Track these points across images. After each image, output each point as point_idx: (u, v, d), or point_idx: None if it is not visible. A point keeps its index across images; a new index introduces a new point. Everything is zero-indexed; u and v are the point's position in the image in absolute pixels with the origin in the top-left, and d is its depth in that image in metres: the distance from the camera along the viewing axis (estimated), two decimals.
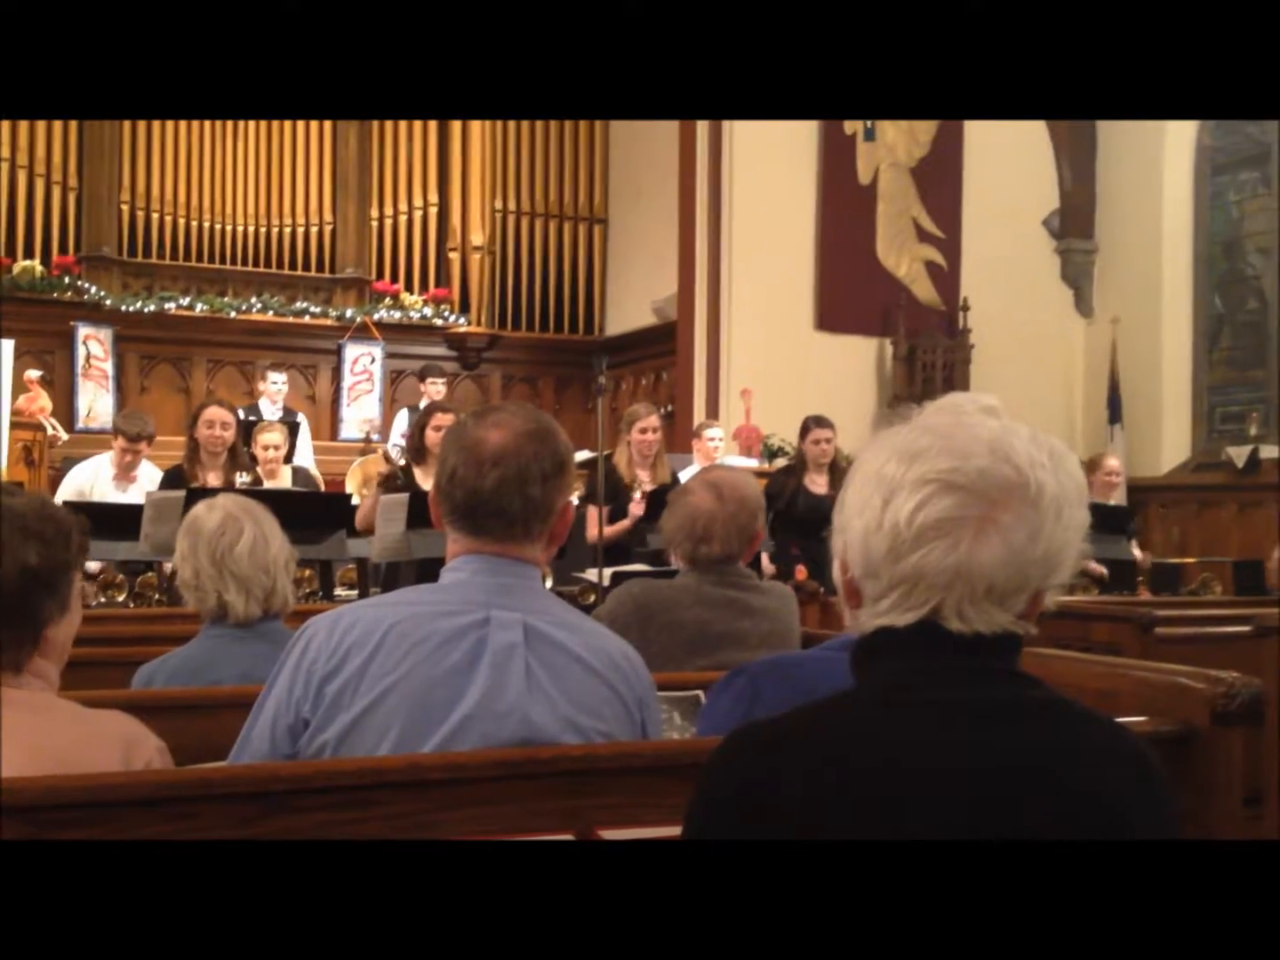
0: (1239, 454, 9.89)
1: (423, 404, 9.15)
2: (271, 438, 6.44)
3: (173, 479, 5.78)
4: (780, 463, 8.74)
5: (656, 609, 2.95)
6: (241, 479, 5.78)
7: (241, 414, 7.72)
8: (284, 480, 6.51)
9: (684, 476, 6.95)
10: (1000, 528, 1.20)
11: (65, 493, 6.29)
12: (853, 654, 1.29)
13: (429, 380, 9.41)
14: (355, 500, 6.84)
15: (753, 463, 9.11)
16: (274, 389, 9.17)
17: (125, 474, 6.38)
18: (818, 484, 6.59)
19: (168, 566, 4.94)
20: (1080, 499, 1.25)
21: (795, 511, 6.39)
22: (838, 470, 6.69)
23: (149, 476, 6.43)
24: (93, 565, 5.39)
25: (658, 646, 2.79)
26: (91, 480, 6.39)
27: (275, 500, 3.00)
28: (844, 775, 1.17)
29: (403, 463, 5.95)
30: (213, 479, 5.74)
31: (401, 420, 9.73)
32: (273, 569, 2.75)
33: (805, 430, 6.75)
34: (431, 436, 5.72)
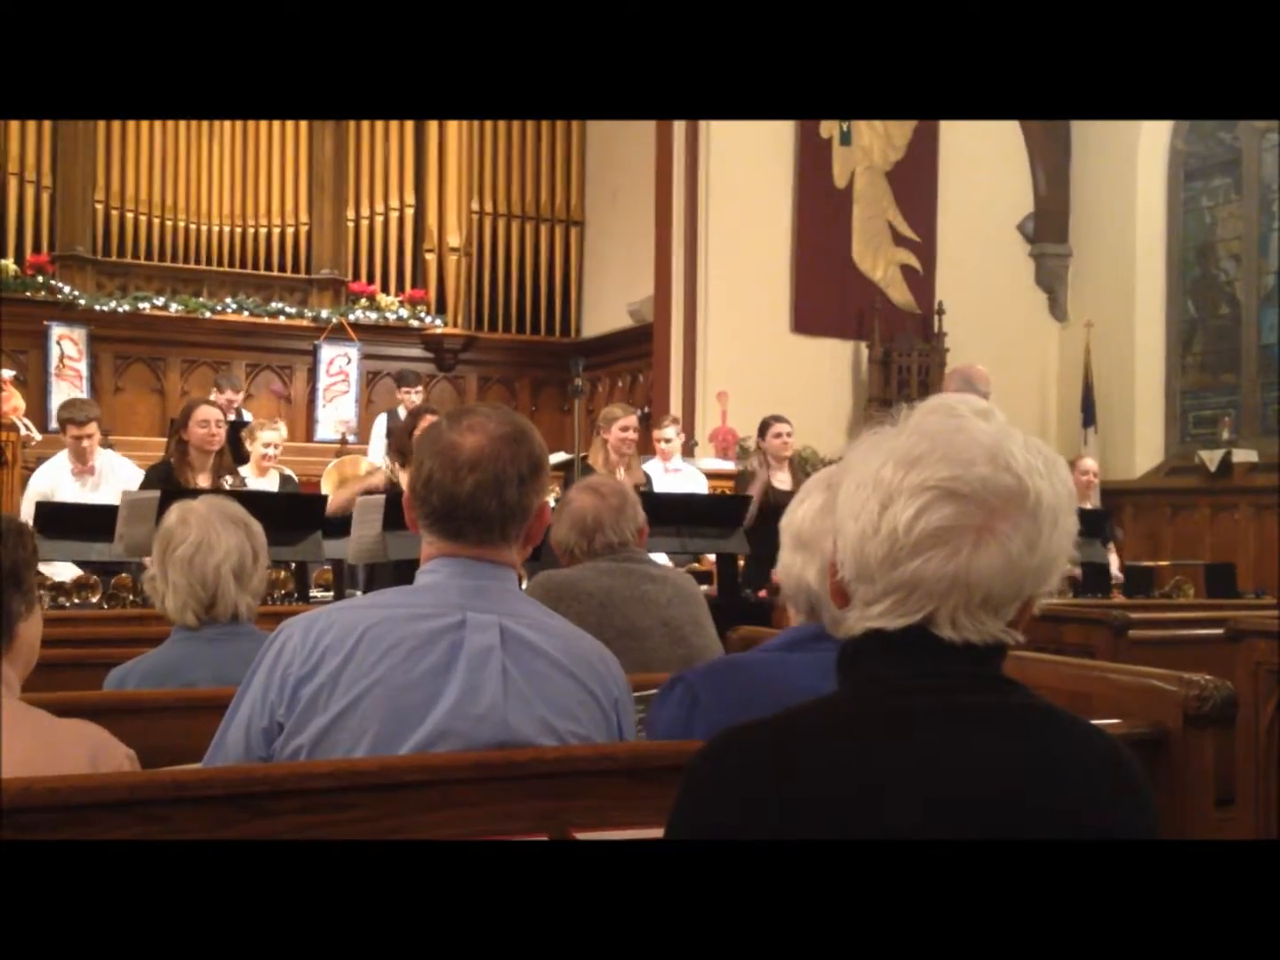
0: (1211, 458, 9.95)
1: (400, 410, 9.13)
2: (272, 436, 6.77)
3: (161, 476, 5.67)
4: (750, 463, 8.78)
5: (562, 588, 3.07)
6: (228, 482, 5.71)
7: None
8: (271, 482, 6.51)
9: (647, 469, 7.03)
10: (999, 537, 1.19)
11: (32, 499, 6.20)
12: (839, 656, 1.28)
13: (403, 390, 9.44)
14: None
15: (729, 465, 9.12)
16: (224, 399, 8.91)
17: (83, 463, 6.31)
18: (782, 480, 6.76)
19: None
20: (1071, 506, 1.24)
21: (766, 508, 6.47)
22: (795, 465, 7.02)
23: (110, 467, 6.39)
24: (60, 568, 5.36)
25: (571, 617, 2.81)
26: (53, 482, 6.32)
27: (249, 501, 2.98)
28: (825, 779, 1.17)
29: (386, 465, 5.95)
30: (202, 480, 5.65)
31: (380, 425, 9.64)
32: (212, 580, 2.69)
33: (765, 428, 7.01)
34: None
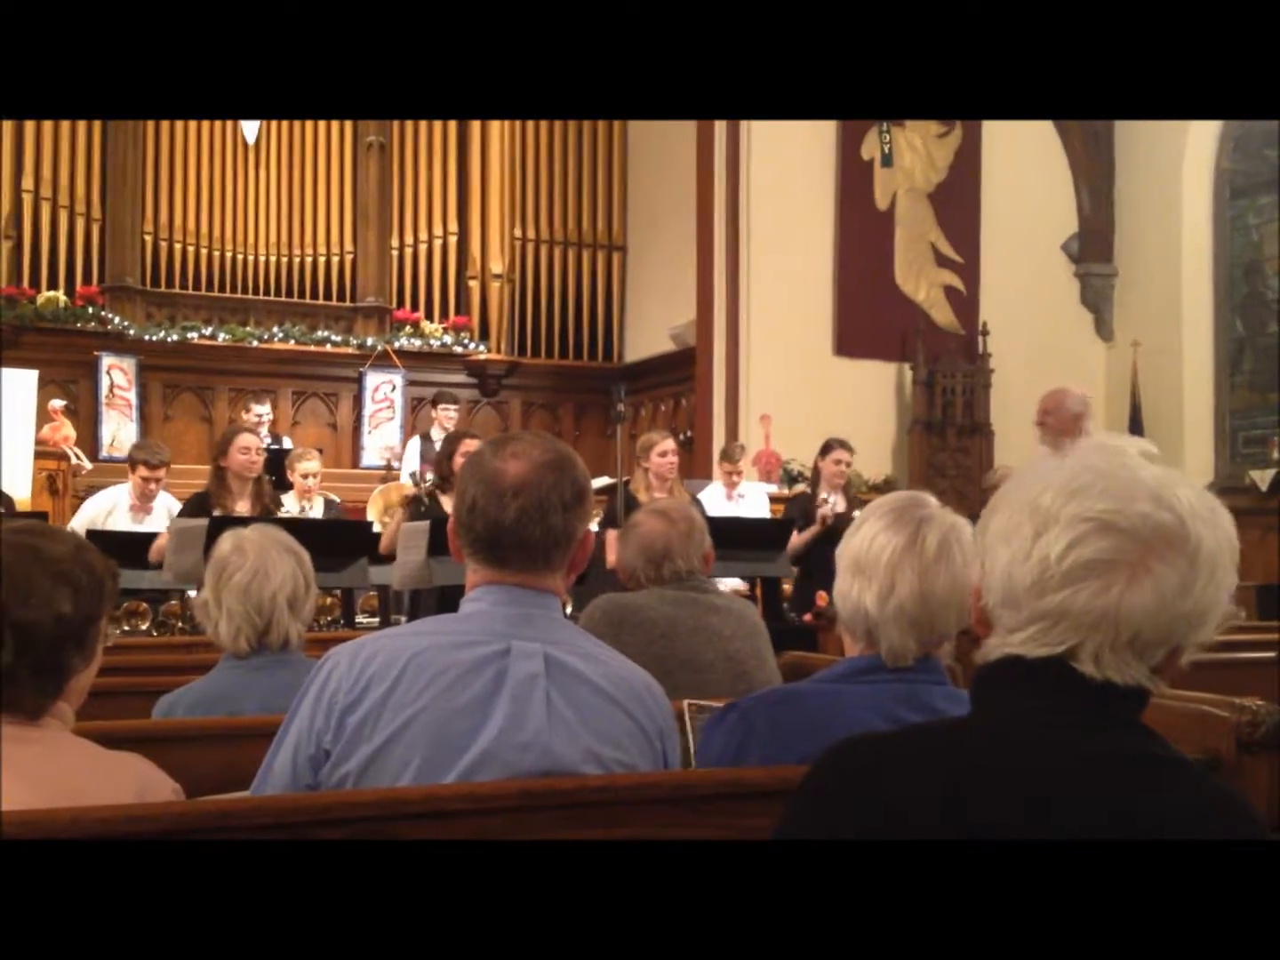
0: (1262, 477, 9.83)
1: (433, 431, 9.13)
2: (310, 466, 6.93)
3: (197, 505, 5.75)
4: (800, 488, 8.76)
5: (625, 613, 3.04)
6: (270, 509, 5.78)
7: None
8: (316, 509, 6.59)
9: (704, 497, 7.02)
10: (1155, 577, 1.16)
11: (79, 523, 6.27)
12: (973, 681, 1.26)
13: (440, 406, 9.26)
14: (376, 528, 6.89)
15: (772, 488, 9.10)
16: (254, 420, 8.89)
17: (145, 503, 6.38)
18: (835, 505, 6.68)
19: (191, 594, 4.96)
20: (1232, 560, 1.20)
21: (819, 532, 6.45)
22: (851, 493, 6.92)
23: (166, 506, 6.45)
24: None
25: (632, 647, 2.78)
26: (108, 510, 6.37)
27: (295, 528, 3.00)
28: (941, 803, 1.15)
29: (427, 485, 6.00)
30: (241, 507, 5.72)
31: (413, 448, 9.56)
32: (268, 608, 2.69)
33: (827, 449, 6.86)
34: (460, 464, 5.73)
